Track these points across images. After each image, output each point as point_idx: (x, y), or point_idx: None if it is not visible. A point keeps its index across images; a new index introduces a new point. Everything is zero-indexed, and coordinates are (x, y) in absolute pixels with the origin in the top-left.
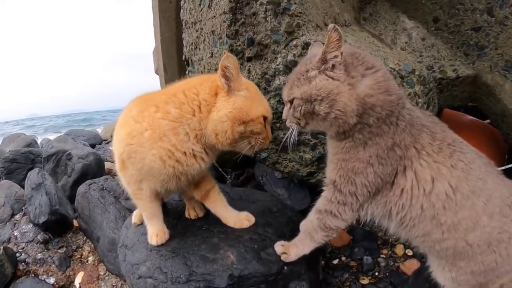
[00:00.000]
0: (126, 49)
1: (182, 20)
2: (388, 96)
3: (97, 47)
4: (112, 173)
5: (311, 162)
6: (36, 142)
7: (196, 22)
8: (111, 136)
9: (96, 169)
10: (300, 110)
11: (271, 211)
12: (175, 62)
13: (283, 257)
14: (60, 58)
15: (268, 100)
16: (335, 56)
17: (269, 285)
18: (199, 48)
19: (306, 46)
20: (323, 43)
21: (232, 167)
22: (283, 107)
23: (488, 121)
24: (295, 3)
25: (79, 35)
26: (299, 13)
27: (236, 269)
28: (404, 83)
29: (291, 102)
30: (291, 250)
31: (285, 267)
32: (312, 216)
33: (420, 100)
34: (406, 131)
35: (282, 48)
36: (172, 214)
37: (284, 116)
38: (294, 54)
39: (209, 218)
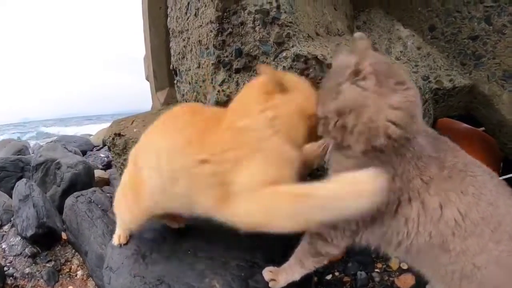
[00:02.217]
0: (121, 51)
1: (169, 28)
2: (413, 122)
3: (90, 50)
4: (102, 183)
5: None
6: (27, 148)
7: (183, 31)
8: (103, 142)
9: (85, 178)
10: (334, 124)
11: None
12: (165, 70)
13: (271, 284)
14: (55, 60)
15: None
16: (366, 66)
17: None
18: (187, 58)
19: (297, 58)
20: (349, 52)
21: None
22: None
23: (482, 128)
24: (285, 12)
25: (73, 37)
26: (289, 22)
27: None
28: None
29: (326, 118)
30: (280, 276)
31: None
32: (304, 240)
33: None
34: (412, 164)
35: (272, 60)
36: (156, 236)
37: (320, 132)
38: (284, 67)
39: (196, 240)
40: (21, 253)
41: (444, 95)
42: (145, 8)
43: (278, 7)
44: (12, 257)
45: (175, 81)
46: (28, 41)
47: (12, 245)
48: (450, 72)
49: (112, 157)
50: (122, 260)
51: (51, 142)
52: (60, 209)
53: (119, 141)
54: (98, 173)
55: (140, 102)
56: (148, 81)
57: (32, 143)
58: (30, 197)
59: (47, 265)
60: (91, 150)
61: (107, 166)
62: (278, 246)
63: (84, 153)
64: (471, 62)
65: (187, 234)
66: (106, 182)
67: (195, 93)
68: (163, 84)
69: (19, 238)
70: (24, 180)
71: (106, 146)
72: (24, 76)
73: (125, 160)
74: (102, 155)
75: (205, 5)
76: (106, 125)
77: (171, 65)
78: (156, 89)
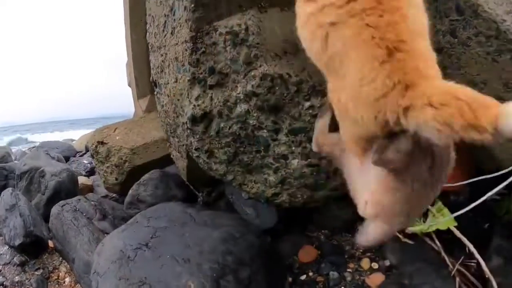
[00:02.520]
0: (106, 54)
1: (148, 43)
2: None
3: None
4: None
5: (276, 184)
6: (9, 155)
7: (161, 47)
8: (86, 148)
9: (69, 185)
10: None
11: (233, 238)
12: (146, 77)
13: None
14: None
15: (230, 127)
16: None
17: None
18: (165, 72)
19: (264, 77)
20: None
21: (204, 185)
22: (245, 133)
23: None
24: (253, 34)
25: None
26: (257, 44)
27: None
28: None
29: None
30: None
31: None
32: None
33: None
34: None
35: (242, 78)
36: (140, 237)
37: None
38: (252, 85)
39: (175, 246)
40: (10, 262)
41: None
42: (126, 17)
43: (246, 29)
44: (1, 266)
45: (155, 92)
46: (8, 44)
47: (1, 254)
48: None
49: (95, 164)
50: (108, 265)
51: (33, 148)
52: (45, 217)
53: (102, 149)
54: (82, 180)
55: (125, 105)
56: (130, 87)
57: (14, 149)
58: (17, 206)
59: (36, 273)
60: (74, 156)
61: (91, 172)
62: (247, 251)
63: (67, 159)
64: None
65: (167, 241)
66: (90, 189)
67: (173, 106)
68: (144, 91)
69: (7, 247)
70: (9, 189)
71: (89, 152)
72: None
73: (108, 167)
74: (85, 162)
75: (180, 25)
76: (89, 130)
77: (151, 77)
78: (138, 97)
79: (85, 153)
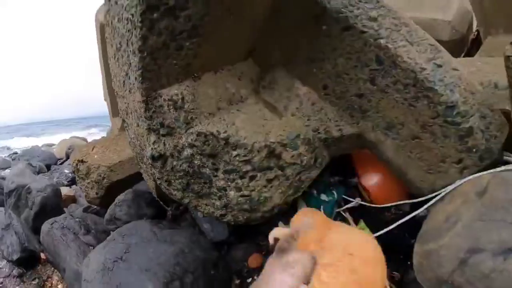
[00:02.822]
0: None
1: (114, 89)
2: None
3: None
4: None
5: (221, 208)
6: None
7: (124, 97)
8: (66, 155)
9: (54, 199)
10: None
11: (183, 252)
12: None
13: None
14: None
15: (181, 165)
16: None
17: None
18: (129, 116)
19: (198, 134)
20: None
21: (172, 200)
22: (192, 170)
23: None
24: (187, 101)
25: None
26: (192, 109)
27: None
28: (288, 148)
29: None
30: None
31: None
32: None
33: (305, 157)
34: None
35: (184, 132)
36: (116, 252)
37: None
38: (191, 139)
39: (141, 259)
40: (9, 274)
41: (333, 142)
42: (98, 44)
43: (182, 98)
44: (2, 278)
45: (125, 125)
46: None
47: (0, 268)
48: (339, 123)
49: (77, 180)
50: (94, 274)
51: (14, 153)
52: (34, 230)
53: (82, 167)
54: (64, 190)
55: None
56: (106, 102)
57: None
58: (11, 225)
59: (33, 282)
60: (55, 164)
61: (72, 181)
62: (192, 262)
63: (48, 167)
64: (359, 114)
65: (136, 255)
66: (73, 199)
67: (139, 141)
68: (118, 110)
69: (5, 261)
70: (2, 210)
71: (69, 159)
72: None
73: (89, 183)
74: (66, 171)
75: (135, 88)
76: (68, 133)
77: (120, 115)
78: (113, 115)
79: (65, 160)
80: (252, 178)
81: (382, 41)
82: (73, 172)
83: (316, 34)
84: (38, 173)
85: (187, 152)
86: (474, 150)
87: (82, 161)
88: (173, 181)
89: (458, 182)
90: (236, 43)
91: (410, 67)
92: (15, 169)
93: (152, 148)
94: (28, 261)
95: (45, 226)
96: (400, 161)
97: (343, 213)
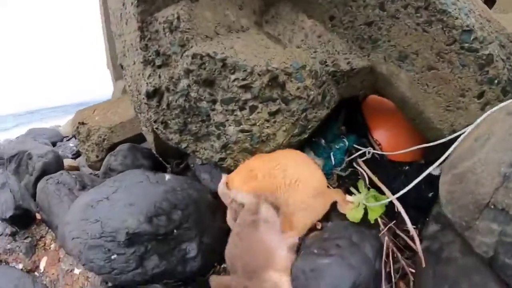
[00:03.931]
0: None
1: (112, 30)
2: None
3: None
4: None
5: (220, 149)
6: None
7: (121, 35)
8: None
9: (55, 166)
10: None
11: (174, 190)
12: None
13: None
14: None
15: (177, 100)
16: None
17: (159, 243)
18: (126, 56)
19: (194, 56)
20: None
21: (173, 156)
22: (189, 105)
23: None
24: (183, 21)
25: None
26: (188, 29)
27: (131, 228)
28: (292, 79)
29: None
30: None
31: (175, 231)
32: None
33: (312, 92)
34: None
35: (180, 58)
36: (104, 193)
37: None
38: (187, 63)
39: (128, 197)
40: (2, 233)
41: (343, 76)
42: (100, 7)
43: (178, 17)
44: None
45: (123, 74)
46: None
47: None
48: (348, 55)
49: (78, 144)
50: (75, 214)
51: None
52: (34, 196)
53: (83, 129)
54: (68, 162)
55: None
56: (108, 69)
57: (2, 139)
58: (7, 184)
59: (25, 241)
60: (61, 141)
61: (77, 155)
62: (183, 200)
63: (54, 144)
64: (369, 45)
65: (124, 194)
66: (76, 169)
67: (135, 84)
68: (120, 73)
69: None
70: (0, 170)
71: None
72: None
73: (89, 146)
74: (71, 145)
75: (131, 17)
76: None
77: (118, 61)
78: (115, 78)
79: (71, 138)
80: (252, 109)
81: None
82: (74, 136)
83: None
84: None
85: (183, 83)
86: (496, 81)
87: (82, 123)
88: (169, 121)
89: (481, 118)
90: None
91: None
92: (17, 139)
93: (147, 83)
94: (22, 220)
95: (41, 183)
96: (416, 97)
97: (355, 165)
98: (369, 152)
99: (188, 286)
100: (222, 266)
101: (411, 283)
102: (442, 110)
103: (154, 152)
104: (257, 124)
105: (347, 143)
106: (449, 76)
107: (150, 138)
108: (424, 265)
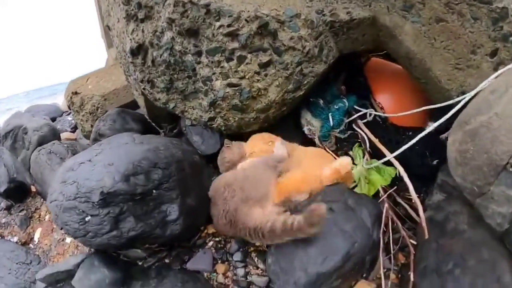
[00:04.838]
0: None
1: None
2: None
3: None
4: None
5: (208, 107)
6: None
7: None
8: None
9: (51, 139)
10: None
11: (157, 149)
12: None
13: None
14: None
15: (161, 55)
16: None
17: (136, 203)
18: (111, 15)
19: (176, 3)
20: None
21: (166, 121)
22: (174, 59)
23: None
24: None
25: None
26: None
27: (106, 188)
28: (285, 28)
29: None
30: None
31: (154, 191)
32: None
33: (307, 43)
34: None
35: (162, 8)
36: (87, 156)
37: None
38: (169, 12)
39: (109, 158)
40: None
41: (342, 28)
42: None
43: None
44: None
45: (111, 36)
46: None
47: None
48: (348, 5)
49: (73, 115)
50: (57, 178)
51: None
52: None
53: (76, 98)
54: (65, 135)
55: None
56: (102, 39)
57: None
58: (1, 158)
59: (20, 214)
60: (60, 116)
61: (75, 128)
62: (164, 159)
63: (53, 119)
64: None
65: (106, 156)
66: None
67: (121, 44)
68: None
69: None
70: None
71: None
72: None
73: (84, 115)
74: (69, 119)
75: None
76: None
77: (104, 23)
78: (108, 45)
79: (71, 112)
80: (241, 60)
81: None
82: (68, 107)
83: None
84: None
85: (167, 36)
86: (511, 38)
87: (75, 93)
88: (155, 80)
89: (492, 76)
90: None
91: None
92: (12, 114)
93: (131, 39)
94: (17, 194)
95: (33, 155)
96: (423, 53)
97: (354, 126)
98: (370, 114)
99: (172, 251)
100: (211, 231)
101: (411, 256)
102: (450, 68)
103: (147, 117)
104: (246, 77)
105: (347, 103)
106: (459, 30)
107: (141, 101)
108: (426, 237)
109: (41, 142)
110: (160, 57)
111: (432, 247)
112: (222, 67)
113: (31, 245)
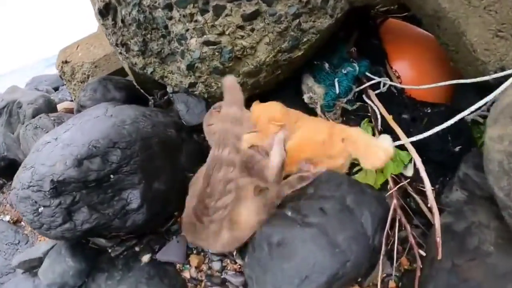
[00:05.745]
0: None
1: None
2: None
3: None
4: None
5: (187, 71)
6: None
7: None
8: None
9: (46, 111)
10: None
11: (123, 123)
12: None
13: None
14: None
15: (130, 12)
16: None
17: (91, 191)
18: None
19: None
20: None
21: (154, 87)
22: (143, 16)
23: None
24: None
25: None
26: None
27: (56, 175)
28: None
29: None
30: None
31: (112, 176)
32: None
33: None
34: None
35: None
36: (57, 133)
37: None
38: None
39: (74, 135)
40: None
41: None
42: None
43: None
44: None
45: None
46: None
47: None
48: None
49: (65, 85)
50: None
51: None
52: None
53: (67, 68)
54: (64, 104)
55: None
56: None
57: None
58: None
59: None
60: (63, 85)
61: None
62: (127, 136)
63: (56, 89)
64: None
65: (72, 133)
66: (71, 111)
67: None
68: None
69: None
70: None
71: None
72: None
73: (75, 85)
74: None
75: None
76: None
77: None
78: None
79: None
80: (218, 11)
81: None
82: (60, 77)
83: None
84: None
85: None
86: None
87: (66, 62)
88: (129, 42)
89: None
90: None
91: None
92: (6, 89)
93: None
94: (8, 171)
95: (21, 130)
96: (456, 12)
97: (364, 97)
98: (384, 84)
99: (143, 238)
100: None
101: (418, 271)
102: (491, 35)
103: (135, 84)
104: (227, 32)
105: (357, 68)
106: None
107: (126, 66)
108: (439, 257)
109: (36, 115)
110: (129, 15)
111: (445, 266)
112: (196, 21)
113: (22, 223)
